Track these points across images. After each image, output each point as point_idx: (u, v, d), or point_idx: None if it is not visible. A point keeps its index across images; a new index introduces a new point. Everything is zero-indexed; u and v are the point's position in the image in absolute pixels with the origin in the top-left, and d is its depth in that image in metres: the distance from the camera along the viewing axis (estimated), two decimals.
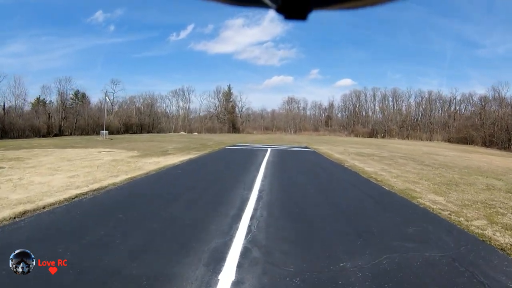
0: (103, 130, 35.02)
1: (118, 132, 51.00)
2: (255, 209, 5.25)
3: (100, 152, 16.21)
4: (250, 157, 14.98)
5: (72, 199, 5.94)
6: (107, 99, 50.04)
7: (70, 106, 52.87)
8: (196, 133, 63.05)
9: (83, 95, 61.09)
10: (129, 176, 8.47)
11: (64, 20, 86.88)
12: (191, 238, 3.84)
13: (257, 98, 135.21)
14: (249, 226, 4.31)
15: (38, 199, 5.94)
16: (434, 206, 6.04)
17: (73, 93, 58.74)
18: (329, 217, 5.09)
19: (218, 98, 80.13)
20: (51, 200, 5.83)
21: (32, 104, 50.76)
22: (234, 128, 75.32)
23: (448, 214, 5.50)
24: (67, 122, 47.31)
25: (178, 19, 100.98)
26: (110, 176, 8.47)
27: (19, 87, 46.55)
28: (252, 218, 4.70)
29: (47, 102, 52.43)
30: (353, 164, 13.08)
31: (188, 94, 78.21)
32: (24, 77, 79.15)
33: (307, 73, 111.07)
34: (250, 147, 22.95)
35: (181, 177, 9.00)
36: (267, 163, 12.38)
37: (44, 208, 5.35)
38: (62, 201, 5.76)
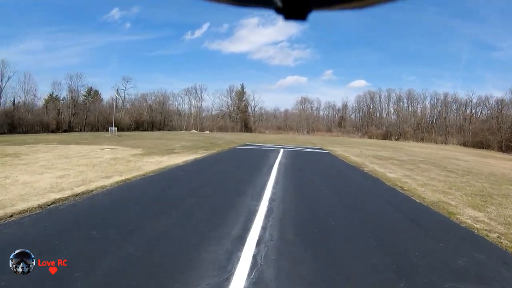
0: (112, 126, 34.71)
1: (128, 129, 50.77)
2: (263, 228, 4.17)
3: (103, 149, 15.45)
4: (261, 159, 13.90)
5: (48, 205, 5.06)
6: (117, 95, 49.86)
7: (82, 103, 52.82)
8: (208, 132, 62.37)
9: (96, 92, 61.16)
10: (123, 177, 7.54)
11: (80, 18, 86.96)
12: (174, 275, 2.79)
13: (270, 98, 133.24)
14: (255, 256, 3.22)
15: (11, 204, 5.10)
16: (478, 226, 4.92)
17: (86, 90, 58.85)
18: (357, 242, 3.95)
19: (230, 97, 79.18)
20: (23, 206, 4.96)
21: (45, 100, 51.00)
22: (246, 127, 74.23)
23: (497, 237, 4.41)
24: (77, 118, 47.21)
25: (194, 18, 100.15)
26: (102, 177, 7.57)
27: (28, 83, 46.65)
28: (259, 243, 3.60)
29: (60, 98, 52.55)
30: (373, 168, 11.86)
31: (201, 93, 77.53)
32: (38, 74, 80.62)
33: (321, 73, 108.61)
34: (261, 147, 21.86)
35: (181, 180, 7.99)
36: (279, 166, 11.29)
37: (11, 216, 4.49)
38: (35, 208, 4.88)
